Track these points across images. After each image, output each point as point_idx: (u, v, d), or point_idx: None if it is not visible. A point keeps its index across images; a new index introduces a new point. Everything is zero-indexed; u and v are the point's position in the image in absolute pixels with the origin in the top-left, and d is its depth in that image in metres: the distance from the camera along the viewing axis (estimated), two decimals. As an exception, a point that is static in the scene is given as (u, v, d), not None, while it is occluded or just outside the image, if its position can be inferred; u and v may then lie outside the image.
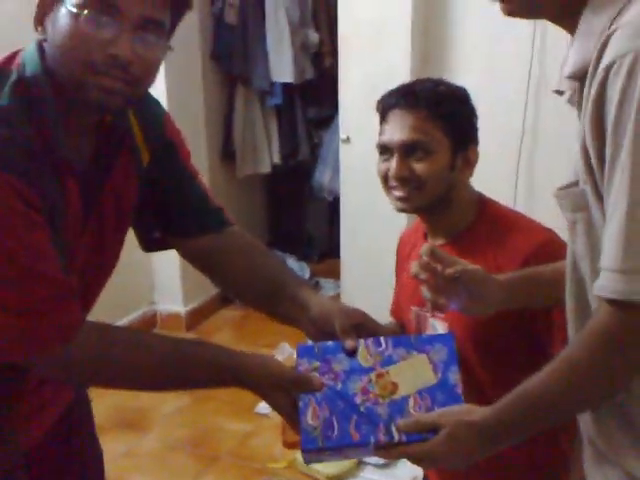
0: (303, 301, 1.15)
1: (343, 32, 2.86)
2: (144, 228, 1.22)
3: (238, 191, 3.90)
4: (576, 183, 0.83)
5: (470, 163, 1.26)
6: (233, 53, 3.50)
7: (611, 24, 0.75)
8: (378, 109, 1.28)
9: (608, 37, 0.74)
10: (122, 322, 3.17)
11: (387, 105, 1.25)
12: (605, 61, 0.73)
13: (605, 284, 0.75)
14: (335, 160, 3.28)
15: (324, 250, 4.12)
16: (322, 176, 3.70)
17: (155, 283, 3.44)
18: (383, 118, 1.26)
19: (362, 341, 1.07)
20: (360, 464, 2.30)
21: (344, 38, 2.86)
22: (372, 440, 0.97)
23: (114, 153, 1.06)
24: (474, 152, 1.27)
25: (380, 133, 1.26)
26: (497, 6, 0.85)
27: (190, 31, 3.17)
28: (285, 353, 2.79)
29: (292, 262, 3.86)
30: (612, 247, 0.74)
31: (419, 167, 1.20)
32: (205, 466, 2.44)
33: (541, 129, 2.71)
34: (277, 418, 2.49)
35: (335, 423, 0.99)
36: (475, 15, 2.68)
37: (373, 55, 2.79)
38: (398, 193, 1.23)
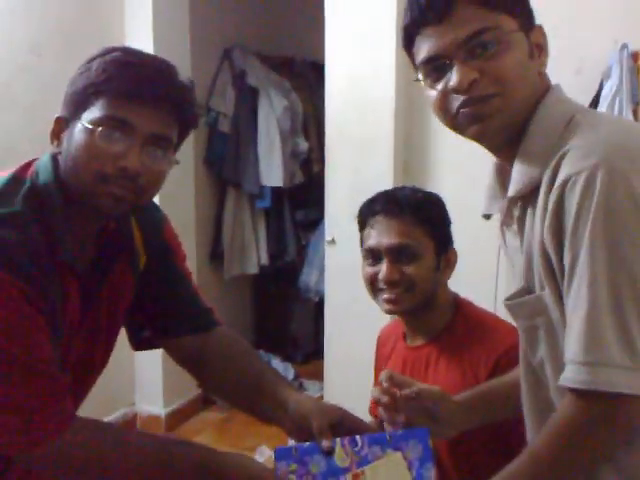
0: (283, 400, 1.18)
1: (330, 143, 3.01)
2: (135, 327, 1.25)
3: (225, 291, 3.94)
4: (526, 290, 0.89)
5: (450, 264, 1.33)
6: (225, 159, 3.66)
7: (554, 148, 0.84)
8: (360, 216, 1.34)
9: (561, 158, 0.83)
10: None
11: (370, 212, 1.31)
12: (561, 177, 0.82)
13: (569, 376, 0.80)
14: (321, 262, 3.36)
15: (309, 351, 4.12)
16: (308, 277, 3.77)
17: (136, 384, 3.41)
18: (365, 224, 1.32)
19: (338, 440, 1.08)
20: None
21: (330, 148, 3.01)
22: None
23: (114, 256, 1.12)
24: (453, 253, 1.34)
25: (364, 239, 1.32)
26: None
27: (192, 140, 3.33)
28: (265, 455, 2.75)
29: (277, 363, 3.85)
30: (575, 342, 0.80)
31: (409, 270, 1.25)
32: None
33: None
34: None
35: None
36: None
37: (358, 164, 2.93)
38: (387, 296, 1.26)
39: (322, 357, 3.23)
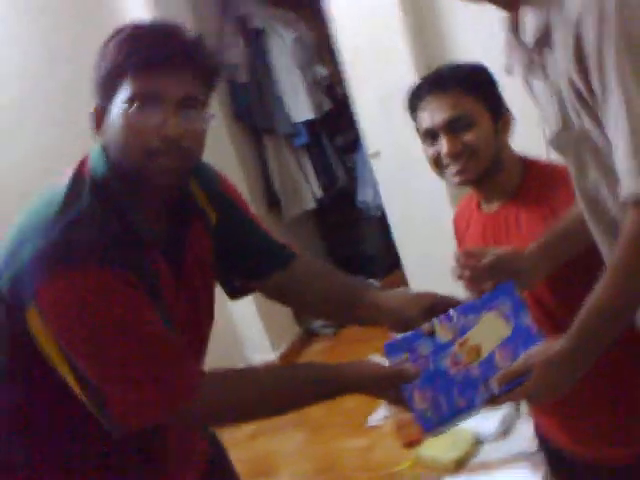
0: (373, 301, 1.26)
1: (346, 59, 3.03)
2: (226, 279, 1.33)
3: (291, 233, 4.03)
4: (566, 127, 0.95)
5: (507, 125, 1.34)
6: (252, 108, 3.70)
7: None
8: (409, 105, 1.35)
9: None
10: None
11: (418, 96, 1.33)
12: (572, 11, 0.86)
13: (625, 189, 0.86)
14: (372, 177, 3.40)
15: (388, 264, 4.20)
16: (365, 195, 3.83)
17: (244, 338, 3.60)
18: (416, 109, 1.33)
19: (435, 320, 1.14)
20: (477, 444, 2.37)
21: (348, 64, 3.03)
22: (477, 401, 1.09)
23: (187, 221, 1.19)
24: (508, 114, 1.35)
25: (419, 124, 1.34)
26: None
27: (214, 100, 3.40)
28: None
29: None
30: (624, 157, 0.85)
31: (468, 138, 1.27)
32: (338, 489, 2.56)
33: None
34: (390, 426, 2.64)
35: (441, 399, 1.10)
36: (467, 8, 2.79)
37: (379, 73, 2.93)
38: (455, 168, 1.29)
39: (401, 266, 3.33)
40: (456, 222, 1.52)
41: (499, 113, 1.33)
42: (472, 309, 1.15)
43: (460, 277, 1.19)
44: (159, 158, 1.04)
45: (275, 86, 3.69)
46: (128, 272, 1.02)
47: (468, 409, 1.10)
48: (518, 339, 1.10)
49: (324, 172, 3.92)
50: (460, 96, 1.29)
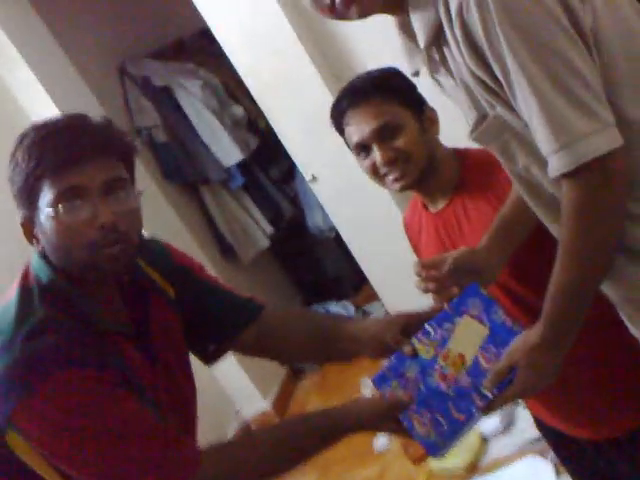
0: (351, 334, 1.25)
1: (257, 95, 3.00)
2: (198, 347, 1.31)
3: (252, 275, 4.00)
4: (482, 118, 0.93)
5: (433, 121, 1.34)
6: (180, 164, 3.66)
7: None
8: (335, 123, 1.35)
9: None
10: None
11: (340, 113, 1.32)
12: (454, 6, 0.85)
13: (554, 166, 0.85)
14: (316, 200, 3.39)
15: (356, 281, 4.18)
16: (314, 220, 3.81)
17: (232, 394, 3.51)
18: (342, 126, 1.33)
19: (414, 339, 1.14)
20: (483, 442, 2.36)
21: (261, 99, 3.00)
22: (474, 410, 1.07)
23: (145, 302, 1.16)
24: (431, 110, 1.35)
25: (348, 140, 1.33)
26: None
27: (140, 167, 3.34)
28: (369, 385, 2.84)
29: (334, 306, 3.93)
30: (544, 137, 0.85)
31: (399, 143, 1.28)
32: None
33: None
34: (396, 446, 2.59)
35: (440, 418, 1.08)
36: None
37: (291, 100, 2.90)
38: (393, 175, 1.29)
39: (368, 281, 3.29)
40: (408, 229, 1.52)
41: (422, 112, 1.33)
42: (446, 318, 1.14)
43: (426, 290, 1.19)
44: (102, 249, 1.02)
45: (196, 137, 3.65)
46: (100, 369, 0.99)
47: (468, 421, 1.08)
48: (497, 337, 1.10)
49: (268, 207, 3.89)
50: (380, 104, 1.29)
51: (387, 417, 1.11)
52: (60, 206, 1.00)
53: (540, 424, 1.48)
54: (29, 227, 1.06)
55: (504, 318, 1.10)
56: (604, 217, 0.87)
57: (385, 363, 1.17)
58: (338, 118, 1.33)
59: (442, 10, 0.88)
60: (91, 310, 1.05)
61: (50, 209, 1.01)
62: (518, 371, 1.02)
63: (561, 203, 0.90)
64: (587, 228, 0.88)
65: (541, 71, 0.82)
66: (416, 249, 1.50)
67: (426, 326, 1.14)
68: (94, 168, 1.02)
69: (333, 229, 3.66)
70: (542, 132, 0.84)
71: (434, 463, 2.38)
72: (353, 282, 4.20)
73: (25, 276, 1.08)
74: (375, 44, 2.81)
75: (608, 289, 0.99)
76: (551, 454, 1.80)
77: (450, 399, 1.08)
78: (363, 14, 0.96)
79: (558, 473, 1.96)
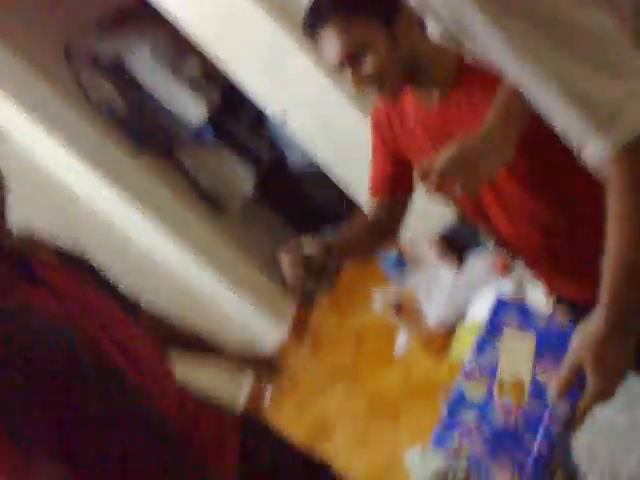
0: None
1: (208, 45, 2.97)
2: None
3: (245, 224, 4.04)
4: None
5: (410, 19, 1.21)
6: (148, 134, 3.65)
7: None
8: (307, 36, 1.27)
9: None
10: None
11: (310, 35, 1.25)
12: None
13: (593, 155, 0.78)
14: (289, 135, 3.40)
15: (350, 205, 4.23)
16: (294, 156, 3.83)
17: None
18: (316, 43, 1.25)
19: (460, 380, 0.98)
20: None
21: (212, 48, 2.98)
22: (554, 433, 0.92)
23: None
24: (405, 8, 1.20)
25: (322, 55, 1.26)
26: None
27: (111, 146, 3.39)
28: (381, 299, 2.95)
29: (331, 231, 4.00)
30: (572, 123, 0.77)
31: (367, 67, 1.20)
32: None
33: None
34: (415, 344, 2.64)
35: (520, 458, 0.92)
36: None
37: (244, 39, 2.86)
38: (374, 94, 1.25)
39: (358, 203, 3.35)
40: (378, 124, 1.44)
41: (392, 13, 1.20)
42: (485, 343, 1.00)
43: (428, 186, 1.12)
44: None
45: (157, 103, 3.63)
46: None
47: (550, 448, 0.91)
48: (549, 343, 0.97)
49: (246, 154, 3.90)
50: (341, 23, 1.19)
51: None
52: None
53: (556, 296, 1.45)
54: None
55: (548, 319, 0.98)
56: None
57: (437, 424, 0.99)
58: (310, 38, 1.26)
59: None
60: None
61: None
62: (588, 372, 0.88)
63: (609, 179, 0.81)
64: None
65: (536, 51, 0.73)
66: (384, 144, 1.44)
67: (465, 365, 0.99)
68: None
69: (314, 162, 3.70)
70: (572, 125, 0.76)
71: (455, 355, 2.48)
72: (348, 206, 4.24)
73: None
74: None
75: None
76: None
77: (524, 433, 0.92)
78: None
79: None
